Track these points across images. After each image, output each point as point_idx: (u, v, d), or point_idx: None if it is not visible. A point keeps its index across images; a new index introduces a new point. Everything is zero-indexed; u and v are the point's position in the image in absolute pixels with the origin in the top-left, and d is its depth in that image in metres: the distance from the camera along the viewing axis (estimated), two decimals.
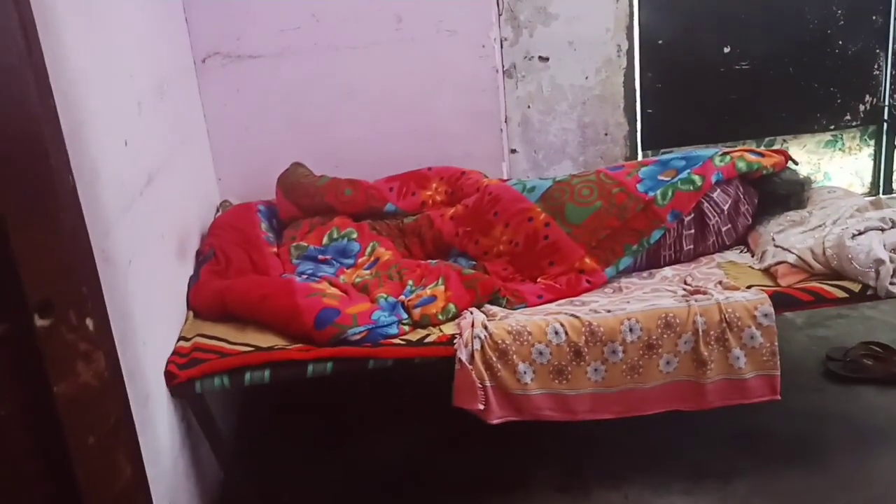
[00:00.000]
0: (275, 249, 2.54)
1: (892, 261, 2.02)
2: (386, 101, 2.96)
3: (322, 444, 2.49)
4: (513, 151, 3.24)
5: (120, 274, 1.69)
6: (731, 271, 2.26)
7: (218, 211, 2.79)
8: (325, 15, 2.86)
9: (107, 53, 1.87)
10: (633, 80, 3.22)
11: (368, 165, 2.86)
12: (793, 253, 2.17)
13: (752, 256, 2.35)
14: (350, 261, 2.49)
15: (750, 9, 3.23)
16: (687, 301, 2.02)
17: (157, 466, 1.78)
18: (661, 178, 2.41)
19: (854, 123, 3.44)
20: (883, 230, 2.12)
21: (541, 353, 1.96)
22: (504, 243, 2.44)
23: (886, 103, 3.41)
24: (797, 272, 2.14)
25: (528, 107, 3.21)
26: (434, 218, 2.61)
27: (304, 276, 2.34)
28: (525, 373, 1.96)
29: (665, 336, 1.98)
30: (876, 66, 3.37)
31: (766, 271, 2.21)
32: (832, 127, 3.44)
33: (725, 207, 2.39)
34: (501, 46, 3.10)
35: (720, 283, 2.15)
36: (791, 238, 2.25)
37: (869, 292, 2.04)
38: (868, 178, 3.57)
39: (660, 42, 3.22)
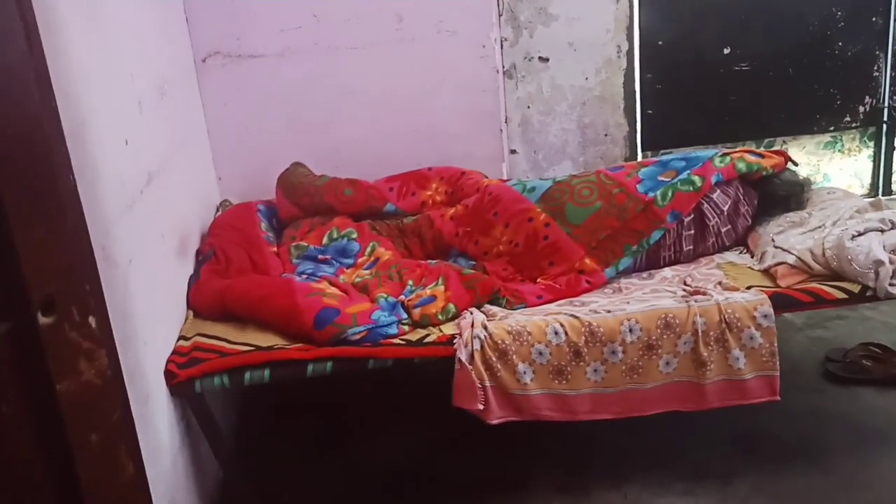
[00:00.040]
0: (275, 249, 2.54)
1: (891, 262, 2.02)
2: (386, 101, 2.96)
3: (322, 445, 2.49)
4: (512, 152, 3.24)
5: (120, 273, 1.69)
6: (731, 272, 2.26)
7: (218, 210, 2.79)
8: (326, 15, 2.86)
9: (107, 53, 1.87)
10: (633, 80, 3.23)
11: (368, 165, 2.87)
12: (792, 254, 2.17)
13: (752, 257, 2.35)
14: (350, 261, 2.50)
15: (750, 10, 3.23)
16: (687, 302, 2.02)
17: (156, 465, 1.78)
18: (661, 178, 2.41)
19: (854, 125, 3.45)
20: (882, 231, 2.12)
21: (540, 354, 1.96)
22: (504, 243, 2.44)
23: (886, 105, 3.42)
24: (797, 273, 2.14)
25: (528, 107, 3.21)
26: (434, 218, 2.61)
27: (304, 276, 2.35)
28: (525, 373, 1.96)
29: (665, 337, 1.98)
30: (875, 68, 3.37)
31: (766, 272, 2.21)
32: (832, 128, 3.45)
33: (725, 208, 2.40)
34: (501, 47, 3.10)
35: (720, 283, 2.15)
36: (791, 239, 2.25)
37: (868, 293, 2.04)
38: (867, 180, 3.57)
39: (660, 43, 3.22)
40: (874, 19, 3.31)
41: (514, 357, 1.95)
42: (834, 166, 3.53)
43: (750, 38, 3.26)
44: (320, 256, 2.48)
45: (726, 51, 3.26)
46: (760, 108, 3.37)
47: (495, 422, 1.96)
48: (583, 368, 1.98)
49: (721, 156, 2.46)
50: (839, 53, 3.32)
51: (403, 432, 2.50)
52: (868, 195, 3.53)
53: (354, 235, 2.57)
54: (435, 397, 1.99)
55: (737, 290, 2.09)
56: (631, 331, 1.98)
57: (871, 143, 3.52)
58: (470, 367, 1.92)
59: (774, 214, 2.47)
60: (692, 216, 2.37)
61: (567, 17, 3.11)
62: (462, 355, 1.94)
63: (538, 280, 2.32)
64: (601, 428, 2.08)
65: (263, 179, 2.82)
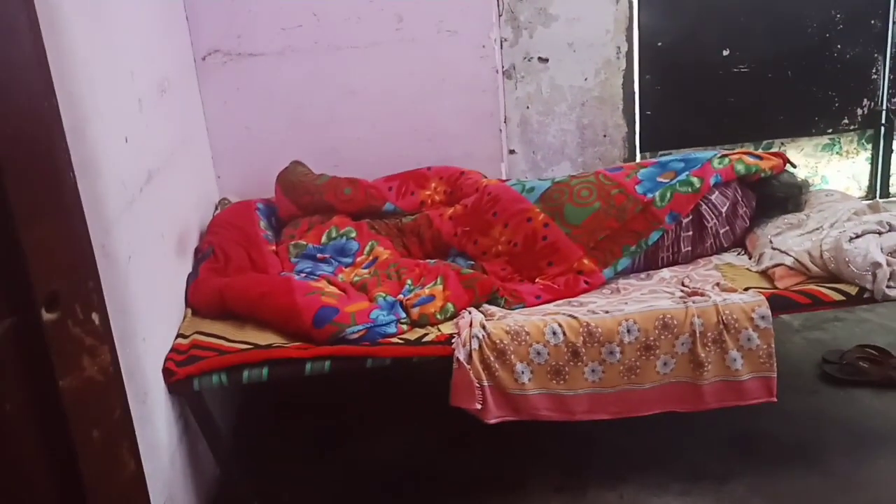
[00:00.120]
0: (273, 247, 2.54)
1: (888, 264, 2.03)
2: (386, 100, 2.96)
3: (321, 444, 2.50)
4: (511, 152, 3.24)
5: (120, 271, 1.69)
6: (729, 273, 2.27)
7: (216, 208, 2.79)
8: (327, 14, 2.86)
9: (109, 51, 1.88)
10: (633, 81, 3.23)
11: (368, 165, 2.87)
12: (790, 255, 2.18)
13: (750, 259, 2.36)
14: (348, 259, 2.50)
15: (750, 12, 3.24)
16: (684, 302, 2.03)
17: (154, 462, 1.78)
18: (659, 179, 2.42)
19: (852, 127, 3.46)
20: (880, 233, 2.13)
21: (539, 354, 1.97)
22: (503, 243, 2.44)
23: (884, 107, 3.43)
24: (794, 275, 2.15)
25: (528, 107, 3.21)
26: (433, 217, 2.61)
27: (303, 275, 2.34)
28: (523, 373, 1.96)
29: (662, 337, 1.99)
30: (874, 71, 3.38)
31: (764, 273, 2.22)
32: (830, 130, 3.46)
33: (723, 210, 2.40)
34: (501, 47, 3.10)
35: (718, 284, 2.16)
36: (788, 241, 2.26)
37: (866, 295, 2.05)
38: (865, 182, 3.58)
39: (659, 44, 3.23)
40: (873, 22, 3.32)
41: (513, 357, 1.96)
42: (832, 168, 3.54)
43: (749, 41, 3.26)
44: (319, 255, 2.48)
45: (726, 53, 3.27)
46: (759, 109, 3.37)
47: (493, 421, 1.97)
48: (581, 369, 1.98)
49: (720, 157, 2.47)
50: (838, 56, 3.33)
51: (402, 432, 2.51)
52: (866, 197, 3.53)
53: (353, 234, 2.57)
54: (433, 397, 2.00)
55: (734, 291, 2.09)
56: (629, 331, 1.98)
57: (869, 146, 3.52)
58: (468, 367, 1.93)
59: (772, 216, 2.47)
60: (690, 217, 2.37)
61: (567, 17, 3.11)
62: (460, 355, 1.94)
63: (537, 280, 2.32)
64: (599, 428, 2.08)
65: (263, 178, 2.81)
